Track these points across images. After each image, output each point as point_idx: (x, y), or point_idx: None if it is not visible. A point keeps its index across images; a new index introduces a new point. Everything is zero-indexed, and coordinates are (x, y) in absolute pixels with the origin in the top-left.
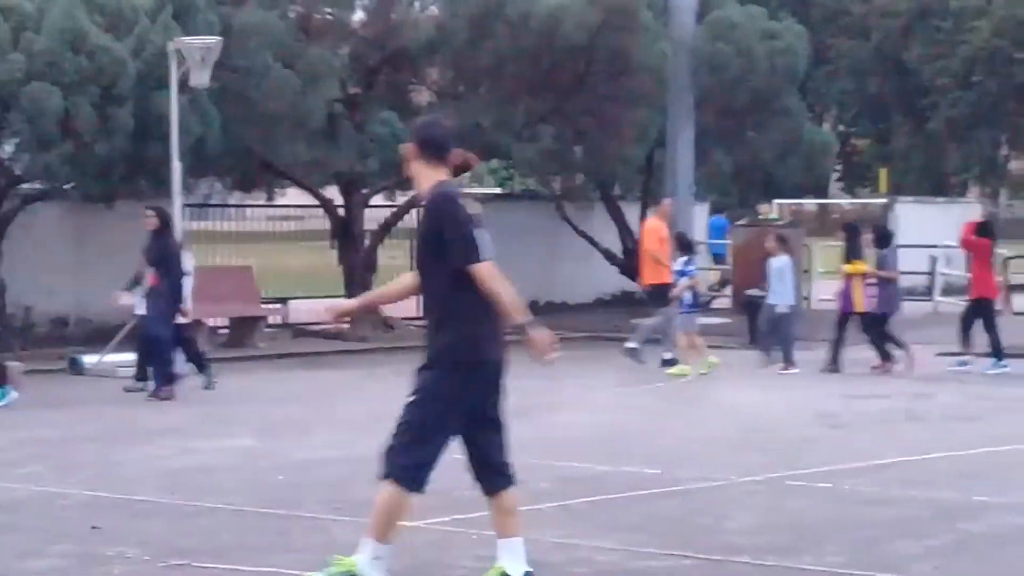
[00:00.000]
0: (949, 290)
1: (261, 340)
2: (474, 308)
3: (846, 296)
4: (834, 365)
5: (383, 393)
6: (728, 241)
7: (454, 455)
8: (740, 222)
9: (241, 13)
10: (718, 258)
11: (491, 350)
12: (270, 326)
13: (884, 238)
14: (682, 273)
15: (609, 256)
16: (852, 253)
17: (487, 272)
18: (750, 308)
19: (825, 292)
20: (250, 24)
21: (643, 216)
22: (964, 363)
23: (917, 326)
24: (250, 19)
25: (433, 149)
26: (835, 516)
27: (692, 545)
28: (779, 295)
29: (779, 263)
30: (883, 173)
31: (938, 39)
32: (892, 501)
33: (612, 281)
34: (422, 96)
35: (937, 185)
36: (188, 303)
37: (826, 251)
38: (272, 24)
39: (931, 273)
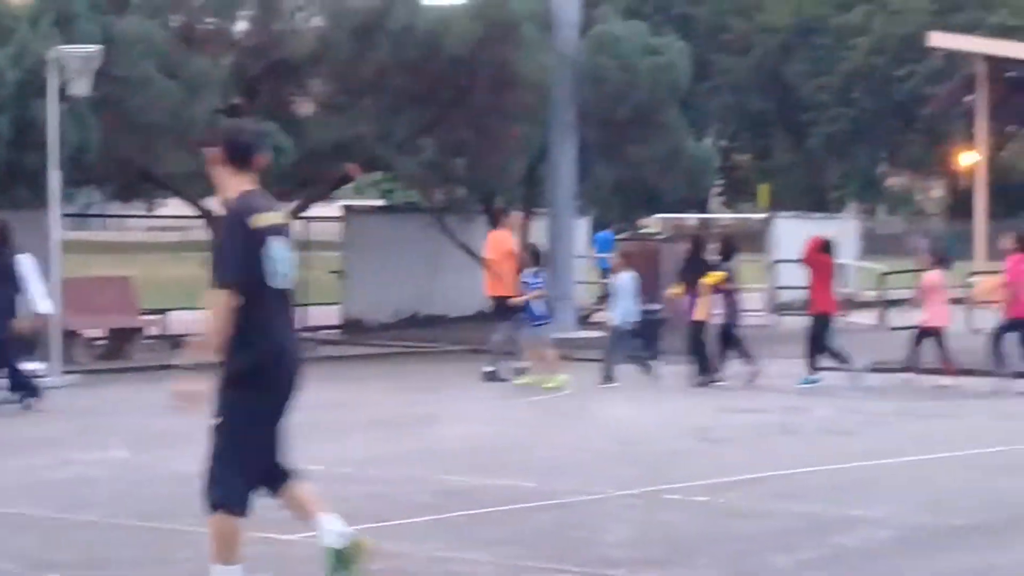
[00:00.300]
0: None
1: (139, 351)
2: (261, 324)
3: (691, 306)
4: (707, 377)
5: None
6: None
7: (342, 469)
8: (621, 236)
9: (122, 22)
10: (605, 272)
11: (283, 366)
12: (148, 337)
13: (729, 251)
14: (531, 285)
15: None
16: (701, 266)
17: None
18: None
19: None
20: (131, 33)
21: (524, 229)
22: (813, 381)
23: (794, 340)
24: (131, 28)
25: (238, 155)
26: (710, 529)
27: (568, 558)
28: (621, 311)
29: (621, 280)
30: (763, 188)
31: (818, 56)
32: (766, 515)
33: None
34: (305, 107)
35: (817, 201)
36: (43, 307)
37: None
38: (153, 34)
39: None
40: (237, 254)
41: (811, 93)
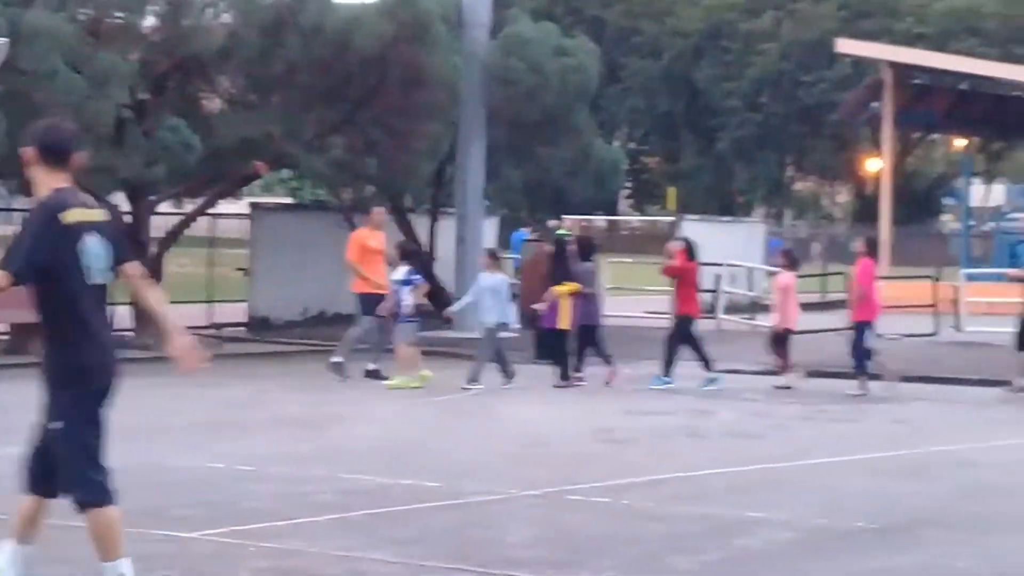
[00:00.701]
0: (733, 308)
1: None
2: (81, 321)
3: (552, 314)
4: (569, 378)
5: (162, 403)
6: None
7: (244, 467)
8: (530, 237)
9: (29, 15)
10: (518, 272)
11: (106, 360)
12: None
13: (586, 251)
14: (405, 283)
15: None
16: (561, 271)
17: None
18: (536, 323)
19: (614, 308)
20: (38, 26)
21: (433, 229)
22: (712, 380)
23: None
24: (38, 21)
25: (53, 154)
26: (613, 531)
27: (471, 558)
28: (495, 312)
29: (491, 280)
30: (671, 191)
31: (727, 61)
32: (669, 517)
33: None
34: (213, 104)
35: (724, 204)
36: None
37: (615, 267)
38: (60, 27)
39: (715, 291)
40: (26, 246)
41: (720, 97)
